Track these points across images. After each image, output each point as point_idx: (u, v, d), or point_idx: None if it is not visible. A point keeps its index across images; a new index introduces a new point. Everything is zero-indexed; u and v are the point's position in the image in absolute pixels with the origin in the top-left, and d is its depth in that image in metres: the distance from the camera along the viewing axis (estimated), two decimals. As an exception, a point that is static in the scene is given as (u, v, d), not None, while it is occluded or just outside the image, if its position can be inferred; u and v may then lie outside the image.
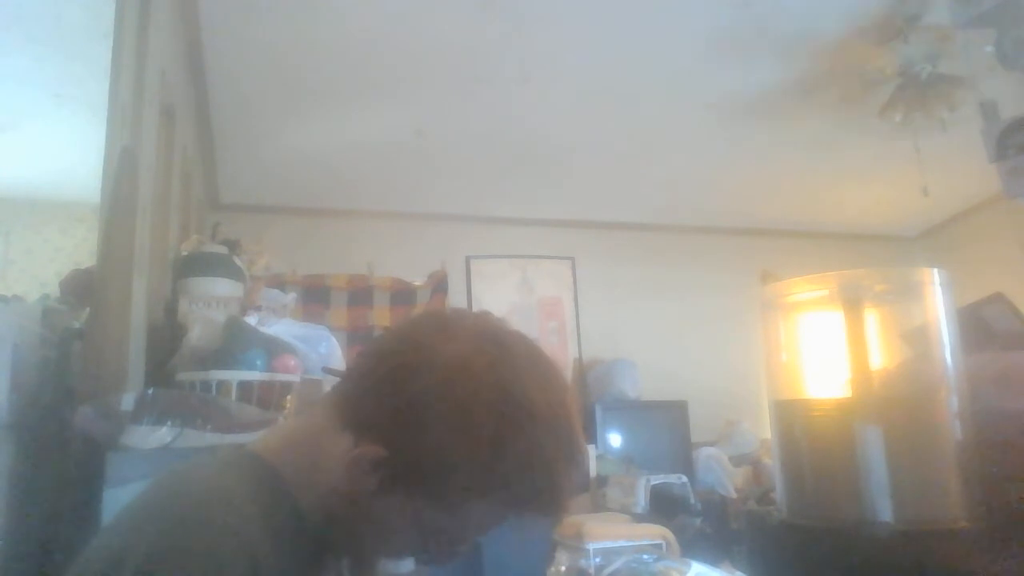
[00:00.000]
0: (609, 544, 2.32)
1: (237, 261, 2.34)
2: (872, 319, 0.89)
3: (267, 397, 1.74)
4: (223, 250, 2.36)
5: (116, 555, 0.60)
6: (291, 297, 2.44)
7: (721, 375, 4.63)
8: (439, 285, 4.33)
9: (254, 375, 1.76)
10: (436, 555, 0.76)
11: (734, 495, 3.75)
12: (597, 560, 2.26)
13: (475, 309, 0.82)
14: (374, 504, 0.69)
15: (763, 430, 4.15)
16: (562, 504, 0.72)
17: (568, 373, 4.62)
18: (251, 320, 1.93)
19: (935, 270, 0.91)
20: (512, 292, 4.78)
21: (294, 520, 0.70)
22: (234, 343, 1.79)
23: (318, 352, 1.98)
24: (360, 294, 4.12)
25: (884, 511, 0.81)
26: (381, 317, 4.09)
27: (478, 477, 0.67)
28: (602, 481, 3.39)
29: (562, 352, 4.71)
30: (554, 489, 0.70)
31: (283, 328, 1.97)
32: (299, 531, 0.70)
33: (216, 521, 0.62)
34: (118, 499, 1.23)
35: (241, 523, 0.63)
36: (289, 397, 1.79)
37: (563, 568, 2.32)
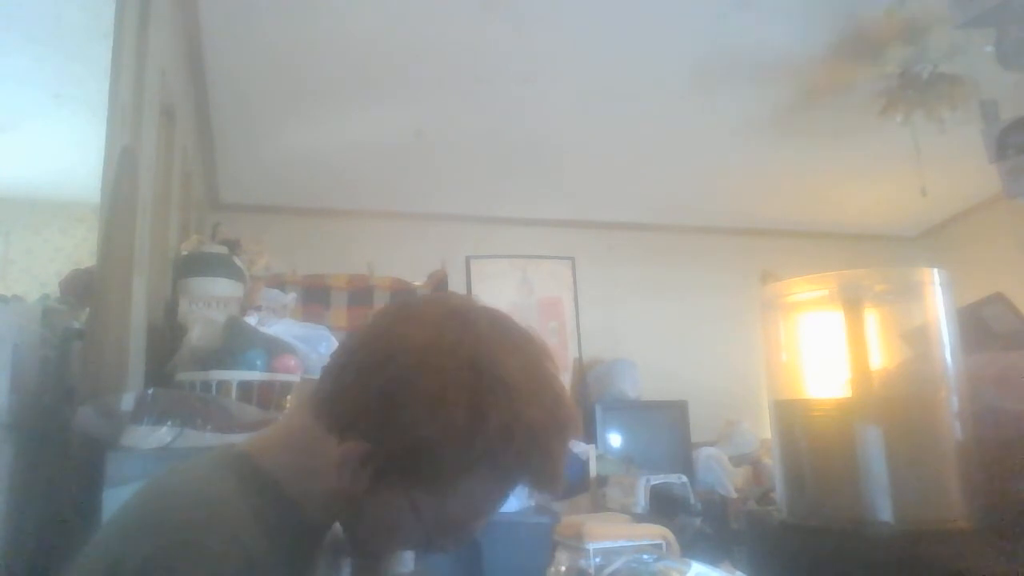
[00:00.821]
0: (609, 544, 2.32)
1: (237, 261, 2.34)
2: (872, 319, 0.89)
3: (267, 397, 1.74)
4: (223, 250, 2.36)
5: (114, 560, 0.60)
6: (291, 297, 2.44)
7: (721, 375, 4.62)
8: (439, 285, 4.32)
9: (254, 375, 1.76)
10: (440, 543, 0.76)
11: (734, 495, 3.74)
12: (597, 560, 2.25)
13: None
14: (372, 500, 0.70)
15: (763, 430, 4.15)
16: (554, 470, 0.72)
17: (568, 374, 4.62)
18: (251, 320, 1.93)
19: (935, 270, 0.91)
20: (512, 292, 4.78)
21: (287, 519, 0.70)
22: (234, 343, 1.79)
23: (318, 352, 1.98)
24: (360, 294, 4.11)
25: (884, 511, 0.81)
26: (381, 317, 4.08)
27: (463, 454, 0.67)
28: (602, 481, 3.39)
29: (562, 352, 4.71)
30: (542, 455, 0.70)
31: (283, 328, 1.97)
32: (293, 530, 0.70)
33: (212, 523, 0.62)
34: (118, 499, 1.23)
35: (236, 524, 0.63)
36: (289, 397, 1.79)
37: (563, 568, 2.32)
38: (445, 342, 0.69)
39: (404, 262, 4.30)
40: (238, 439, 0.81)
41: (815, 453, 0.90)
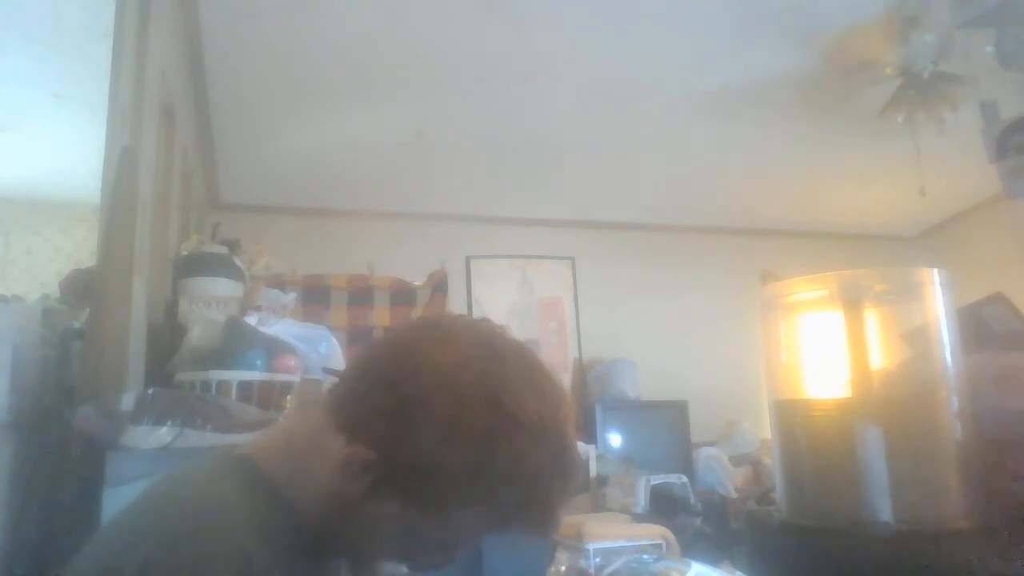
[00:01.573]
0: (609, 544, 2.32)
1: (237, 261, 2.34)
2: (872, 319, 0.89)
3: (267, 397, 1.74)
4: (223, 250, 2.36)
5: (114, 561, 0.60)
6: (291, 297, 2.44)
7: (721, 375, 4.63)
8: (439, 285, 4.33)
9: (254, 375, 1.76)
10: (425, 562, 0.76)
11: (734, 495, 3.75)
12: (597, 560, 2.25)
13: (477, 314, 0.82)
14: (364, 507, 0.69)
15: (763, 430, 4.15)
16: (551, 519, 0.72)
17: (568, 374, 4.62)
18: (251, 320, 1.93)
19: (935, 270, 0.91)
20: (512, 292, 4.78)
21: (288, 524, 0.69)
22: (234, 343, 1.79)
23: (318, 352, 1.98)
24: (360, 294, 4.12)
25: (884, 511, 0.81)
26: (381, 317, 4.09)
27: (463, 485, 0.67)
28: (602, 481, 3.39)
29: (562, 352, 4.71)
30: (542, 502, 0.70)
31: (283, 328, 1.97)
32: (295, 535, 0.70)
33: (212, 527, 0.62)
34: (118, 499, 1.23)
35: (236, 528, 0.63)
36: (289, 397, 1.79)
37: (563, 568, 2.32)
38: (470, 371, 0.68)
39: (404, 262, 4.32)
40: (238, 439, 0.81)
41: (815, 453, 0.90)
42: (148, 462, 1.31)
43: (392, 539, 0.72)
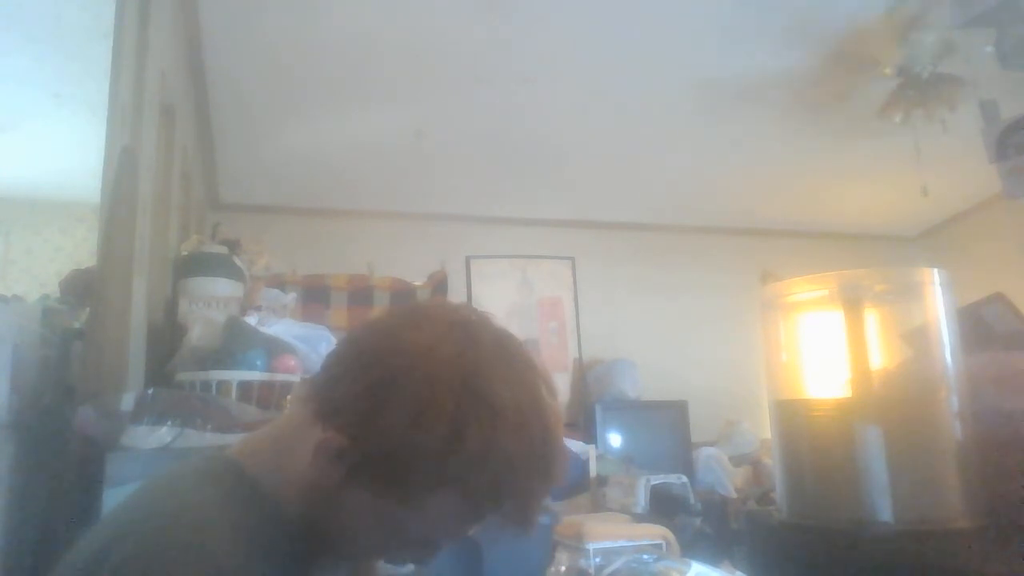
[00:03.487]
0: (609, 544, 2.32)
1: (237, 261, 2.34)
2: (872, 319, 0.89)
3: (267, 397, 1.74)
4: (223, 250, 2.36)
5: (87, 567, 0.60)
6: (291, 297, 2.44)
7: (721, 375, 4.63)
8: (439, 285, 4.32)
9: (254, 375, 1.76)
10: (400, 556, 0.74)
11: (734, 495, 3.74)
12: (597, 560, 2.25)
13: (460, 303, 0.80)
14: (341, 497, 0.68)
15: (763, 430, 4.15)
16: (527, 509, 0.69)
17: (568, 374, 4.62)
18: (251, 320, 1.93)
19: (935, 270, 0.91)
20: (512, 292, 4.78)
21: (273, 526, 0.68)
22: (234, 343, 1.80)
23: (318, 352, 1.98)
24: (360, 294, 4.12)
25: (884, 511, 0.81)
26: (381, 317, 4.08)
27: (434, 470, 0.65)
28: (602, 481, 3.39)
29: (562, 352, 4.71)
30: (517, 491, 0.68)
31: (283, 328, 1.97)
32: (280, 537, 0.69)
33: (184, 536, 0.62)
34: (118, 499, 1.23)
35: (209, 537, 0.62)
36: (289, 397, 1.79)
37: (563, 568, 2.32)
38: (442, 352, 0.67)
39: (404, 262, 4.31)
40: (238, 439, 0.80)
41: (815, 453, 0.90)
42: (148, 462, 1.31)
43: (372, 531, 0.70)
